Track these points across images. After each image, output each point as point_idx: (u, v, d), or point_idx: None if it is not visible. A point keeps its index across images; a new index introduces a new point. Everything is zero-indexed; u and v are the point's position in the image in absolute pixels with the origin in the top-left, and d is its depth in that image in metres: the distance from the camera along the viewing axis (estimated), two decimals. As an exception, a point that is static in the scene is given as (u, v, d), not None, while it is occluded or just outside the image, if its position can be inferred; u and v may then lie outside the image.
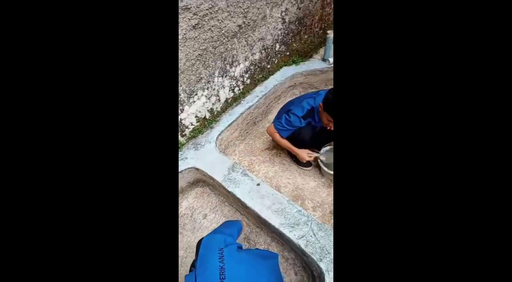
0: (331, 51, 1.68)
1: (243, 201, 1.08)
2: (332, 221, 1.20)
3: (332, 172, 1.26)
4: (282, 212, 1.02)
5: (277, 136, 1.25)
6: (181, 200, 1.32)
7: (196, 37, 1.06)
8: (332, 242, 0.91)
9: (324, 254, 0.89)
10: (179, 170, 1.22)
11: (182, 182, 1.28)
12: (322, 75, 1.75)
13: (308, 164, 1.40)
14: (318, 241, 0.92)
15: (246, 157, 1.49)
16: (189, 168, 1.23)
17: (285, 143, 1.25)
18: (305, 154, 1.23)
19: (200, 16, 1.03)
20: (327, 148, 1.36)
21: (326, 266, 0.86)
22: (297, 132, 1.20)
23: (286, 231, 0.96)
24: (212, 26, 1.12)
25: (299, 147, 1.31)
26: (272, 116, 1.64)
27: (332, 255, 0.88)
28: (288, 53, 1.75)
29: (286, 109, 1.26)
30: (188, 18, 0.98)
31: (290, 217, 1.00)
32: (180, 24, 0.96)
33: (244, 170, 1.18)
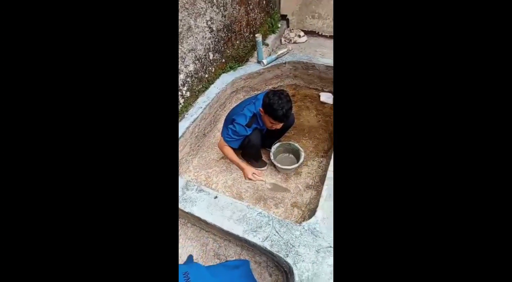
0: (262, 53, 1.76)
1: (203, 218, 1.04)
2: (294, 212, 1.25)
3: (286, 166, 1.32)
4: (243, 219, 1.01)
5: (226, 150, 1.23)
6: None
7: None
8: (294, 234, 0.95)
9: (289, 249, 0.92)
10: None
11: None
12: (260, 77, 1.82)
13: (263, 164, 1.43)
14: (282, 238, 0.95)
15: (202, 171, 1.44)
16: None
17: (233, 158, 1.24)
18: (250, 173, 1.22)
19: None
20: (277, 144, 1.42)
21: (293, 259, 0.89)
22: (247, 141, 1.21)
23: (250, 237, 0.96)
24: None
25: (252, 153, 1.33)
26: (221, 124, 1.63)
27: (296, 247, 0.92)
28: (223, 60, 1.76)
29: (230, 120, 1.26)
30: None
31: (252, 222, 1.00)
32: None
33: (199, 186, 1.14)
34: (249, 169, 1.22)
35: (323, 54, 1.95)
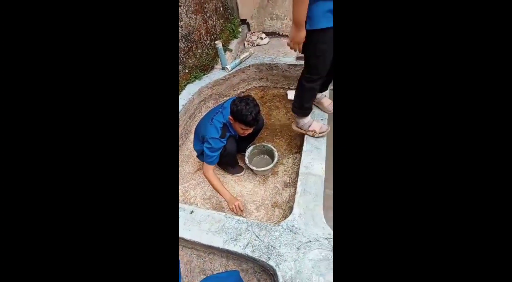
0: (225, 59, 1.76)
1: (182, 236, 1.01)
2: (275, 212, 1.26)
3: (262, 168, 1.33)
4: (222, 229, 1.00)
5: (212, 178, 1.17)
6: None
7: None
8: (274, 235, 0.96)
9: (271, 251, 0.92)
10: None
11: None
12: (227, 83, 1.82)
13: (240, 170, 1.42)
14: (262, 241, 0.95)
15: (179, 186, 1.40)
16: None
17: (219, 188, 1.18)
18: (231, 205, 1.16)
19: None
20: (251, 147, 1.42)
21: (275, 261, 0.89)
22: (223, 151, 1.20)
23: (231, 246, 0.95)
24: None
25: (229, 160, 1.32)
26: (192, 136, 1.60)
27: (277, 248, 0.92)
28: (187, 71, 1.74)
29: (200, 136, 1.23)
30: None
31: (231, 231, 0.99)
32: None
33: (174, 202, 1.11)
34: (232, 199, 1.16)
35: (286, 53, 2.00)
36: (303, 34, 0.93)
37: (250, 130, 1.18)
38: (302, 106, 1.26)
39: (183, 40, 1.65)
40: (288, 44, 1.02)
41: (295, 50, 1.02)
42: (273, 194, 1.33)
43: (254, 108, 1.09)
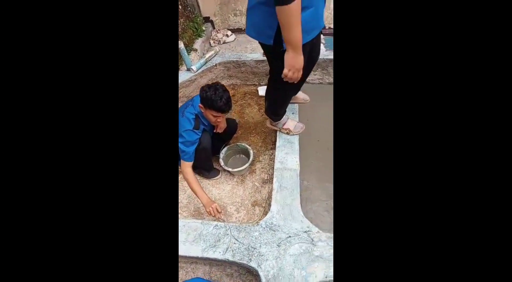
0: (189, 60, 1.69)
1: (157, 250, 0.95)
2: (256, 211, 1.24)
3: (238, 169, 1.30)
4: (200, 237, 0.96)
5: (190, 178, 1.10)
6: None
7: None
8: (254, 235, 0.94)
9: (251, 252, 0.90)
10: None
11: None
12: (194, 84, 1.75)
13: (216, 173, 1.39)
14: (242, 243, 0.93)
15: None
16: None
17: (197, 189, 1.10)
18: (207, 207, 1.08)
19: None
20: (225, 149, 1.39)
21: (256, 262, 0.88)
22: (198, 145, 1.14)
23: (210, 254, 0.92)
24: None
25: (203, 158, 1.26)
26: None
27: (258, 248, 0.91)
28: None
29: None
30: None
31: (210, 237, 0.96)
32: None
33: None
34: (208, 203, 1.09)
35: (253, 49, 1.98)
36: (301, 58, 0.79)
37: (222, 122, 1.15)
38: (277, 113, 1.25)
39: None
40: (286, 74, 0.83)
41: (295, 80, 0.85)
42: (252, 193, 1.31)
43: (224, 93, 1.06)
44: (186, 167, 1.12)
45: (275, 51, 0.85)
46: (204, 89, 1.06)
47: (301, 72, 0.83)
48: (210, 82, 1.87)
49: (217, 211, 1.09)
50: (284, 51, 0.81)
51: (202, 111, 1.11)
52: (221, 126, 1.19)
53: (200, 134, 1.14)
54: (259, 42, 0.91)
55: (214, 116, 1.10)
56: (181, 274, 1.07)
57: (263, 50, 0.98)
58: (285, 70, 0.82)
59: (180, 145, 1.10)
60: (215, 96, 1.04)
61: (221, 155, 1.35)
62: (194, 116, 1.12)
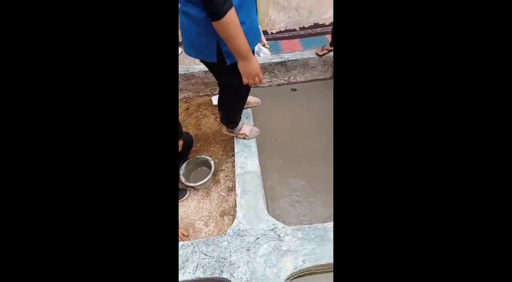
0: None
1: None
2: (225, 221, 1.24)
3: (201, 182, 1.28)
4: (167, 261, 0.91)
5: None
6: None
7: None
8: (222, 245, 0.93)
9: (222, 264, 0.89)
10: None
11: None
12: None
13: (183, 193, 1.33)
14: (212, 257, 0.91)
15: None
16: None
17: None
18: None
19: None
20: (184, 164, 1.35)
21: (228, 272, 0.87)
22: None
23: (179, 277, 0.88)
24: None
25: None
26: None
27: (227, 256, 0.90)
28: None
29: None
30: None
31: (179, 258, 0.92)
32: None
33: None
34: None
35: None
36: (255, 63, 0.78)
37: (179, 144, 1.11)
38: (233, 121, 1.27)
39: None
40: (247, 82, 0.83)
41: (254, 85, 0.85)
42: (219, 203, 1.30)
43: None
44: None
45: (219, 68, 0.86)
46: None
47: (260, 75, 0.82)
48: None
49: (183, 235, 1.04)
50: (228, 66, 0.82)
51: None
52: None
53: None
54: (201, 61, 0.91)
55: None
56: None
57: (207, 67, 0.97)
58: (244, 80, 0.82)
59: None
60: None
61: (181, 172, 1.31)
62: None
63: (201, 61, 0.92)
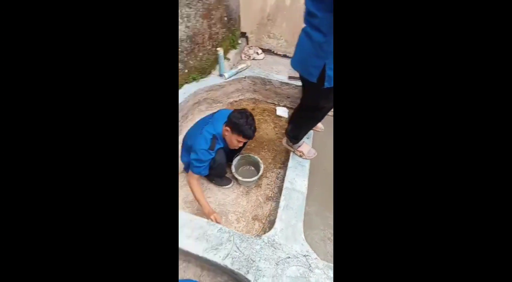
0: (224, 67, 1.80)
1: (158, 240, 0.96)
2: (255, 226, 1.27)
3: (247, 179, 1.35)
4: (203, 236, 0.98)
5: (195, 187, 1.14)
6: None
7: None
8: (255, 249, 0.97)
9: (250, 265, 0.92)
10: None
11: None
12: (222, 90, 1.84)
13: (228, 181, 1.41)
14: (243, 254, 0.95)
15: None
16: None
17: (200, 198, 1.15)
18: (208, 217, 1.12)
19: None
20: (238, 157, 1.44)
21: (253, 275, 0.90)
22: (213, 162, 1.18)
23: (211, 256, 0.93)
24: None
25: (220, 172, 1.31)
26: (182, 136, 1.56)
27: (256, 262, 0.93)
28: (186, 71, 1.72)
29: (189, 146, 1.20)
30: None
31: (213, 239, 0.98)
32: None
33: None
34: (210, 213, 1.13)
35: (278, 71, 2.12)
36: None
37: (242, 143, 1.20)
38: (298, 137, 1.33)
39: (188, 41, 1.65)
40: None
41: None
42: (254, 207, 1.35)
43: (252, 121, 1.13)
44: (192, 178, 1.14)
45: (315, 87, 0.95)
46: (236, 116, 1.10)
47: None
48: (236, 91, 1.98)
49: (216, 221, 1.10)
50: (323, 89, 0.91)
51: (226, 134, 1.13)
52: (239, 146, 1.22)
53: (213, 155, 1.16)
54: (301, 76, 1.00)
55: (239, 141, 1.13)
56: (181, 272, 1.06)
57: (303, 82, 1.07)
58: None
59: (192, 159, 1.13)
60: (246, 125, 1.08)
61: (234, 162, 1.40)
62: (211, 137, 1.14)
63: (301, 76, 1.01)
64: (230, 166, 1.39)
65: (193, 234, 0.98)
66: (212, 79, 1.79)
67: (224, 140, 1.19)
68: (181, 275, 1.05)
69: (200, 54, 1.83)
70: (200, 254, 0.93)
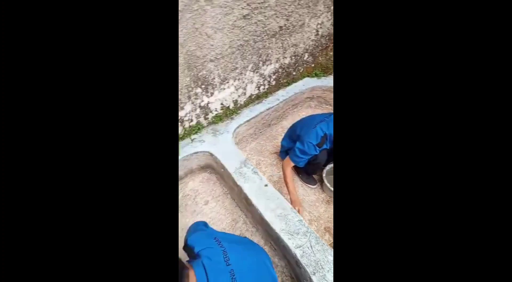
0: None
1: (250, 197, 1.07)
2: (325, 237, 1.22)
3: (330, 187, 1.29)
4: (284, 218, 1.02)
5: (288, 172, 1.18)
6: (188, 180, 1.31)
7: (243, 27, 1.05)
8: (327, 258, 0.93)
9: (318, 268, 0.90)
10: (195, 151, 1.23)
11: (193, 163, 1.27)
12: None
13: (313, 181, 1.40)
14: (314, 254, 0.93)
15: (255, 156, 1.48)
16: (203, 151, 1.22)
17: (290, 185, 1.18)
18: (295, 206, 1.13)
19: (251, 7, 1.02)
20: (332, 165, 1.39)
21: (319, 280, 0.87)
22: (313, 159, 1.19)
23: (285, 238, 0.96)
24: (259, 21, 1.11)
25: (314, 170, 1.31)
26: (286, 122, 1.65)
27: (325, 270, 0.89)
28: (313, 65, 1.78)
29: (296, 135, 1.23)
30: (241, 7, 0.97)
31: (292, 225, 1.00)
32: (233, 10, 0.95)
33: (255, 168, 1.18)
34: (296, 202, 1.15)
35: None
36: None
37: None
38: None
39: (327, 37, 1.68)
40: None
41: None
42: (330, 218, 1.29)
43: None
44: (289, 164, 1.18)
45: None
46: None
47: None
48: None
49: (299, 211, 1.12)
50: None
51: None
52: None
53: (318, 152, 1.15)
54: None
55: None
56: (242, 227, 1.17)
57: None
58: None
59: (296, 148, 1.15)
60: None
61: (327, 167, 1.36)
62: (323, 135, 1.13)
63: None
64: (323, 169, 1.37)
65: (276, 210, 1.04)
66: (332, 81, 1.77)
67: (332, 143, 1.17)
68: (249, 236, 1.15)
69: (331, 53, 1.83)
70: (277, 231, 0.98)
